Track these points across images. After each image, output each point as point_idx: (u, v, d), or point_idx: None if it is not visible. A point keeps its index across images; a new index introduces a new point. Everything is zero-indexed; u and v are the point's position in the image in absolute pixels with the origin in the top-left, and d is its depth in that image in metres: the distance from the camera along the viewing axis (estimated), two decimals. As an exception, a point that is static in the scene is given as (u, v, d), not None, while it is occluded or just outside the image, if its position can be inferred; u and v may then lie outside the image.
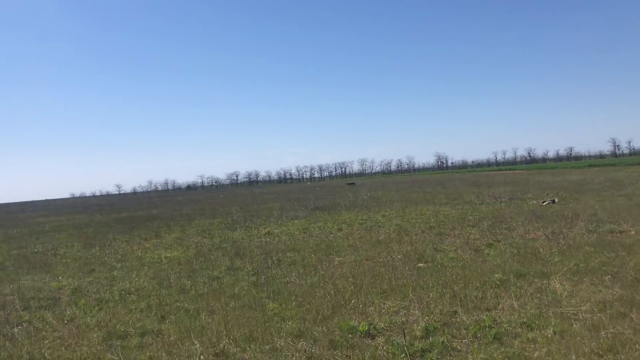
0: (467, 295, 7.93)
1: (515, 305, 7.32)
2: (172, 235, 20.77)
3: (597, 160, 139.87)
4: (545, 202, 23.52)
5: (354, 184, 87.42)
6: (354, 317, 7.28)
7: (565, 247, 11.61)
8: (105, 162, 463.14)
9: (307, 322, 7.13)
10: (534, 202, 24.35)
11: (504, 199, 26.74)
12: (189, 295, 9.44)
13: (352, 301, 8.10)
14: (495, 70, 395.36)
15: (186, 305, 8.66)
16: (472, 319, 6.84)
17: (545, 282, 8.64)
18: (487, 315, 6.97)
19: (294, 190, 73.95)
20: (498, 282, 8.64)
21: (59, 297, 10.16)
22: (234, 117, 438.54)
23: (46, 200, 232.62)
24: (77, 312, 8.77)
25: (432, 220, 19.74)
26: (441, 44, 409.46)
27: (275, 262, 12.53)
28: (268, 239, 17.48)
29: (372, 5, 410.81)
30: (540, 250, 11.51)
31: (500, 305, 7.41)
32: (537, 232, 14.68)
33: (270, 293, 9.04)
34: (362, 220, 21.80)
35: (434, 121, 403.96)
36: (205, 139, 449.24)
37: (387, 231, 17.18)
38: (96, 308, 8.93)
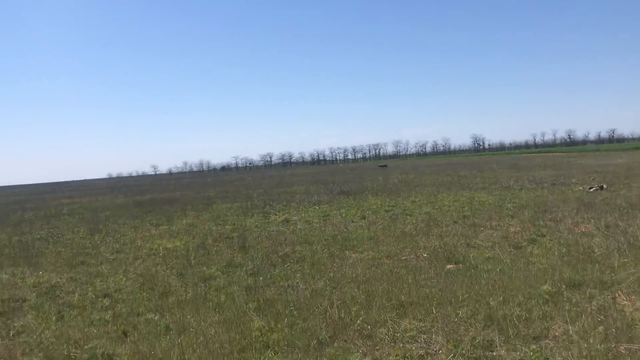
0: (507, 315, 6.15)
1: (572, 333, 5.52)
2: (184, 222, 19.40)
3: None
4: (592, 188, 21.26)
5: (386, 166, 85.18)
6: (359, 345, 5.61)
7: (625, 246, 9.64)
8: (144, 143, 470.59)
9: (296, 352, 5.50)
10: (580, 188, 22.09)
11: (545, 184, 24.51)
12: (168, 302, 7.92)
13: (360, 318, 6.42)
14: (533, 50, 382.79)
15: (158, 317, 7.13)
16: (514, 355, 5.09)
17: (607, 295, 6.79)
18: (534, 348, 5.21)
19: (324, 173, 72.19)
20: (547, 296, 6.82)
21: (26, 299, 8.78)
22: (269, 98, 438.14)
23: (82, 180, 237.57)
24: (31, 322, 7.35)
25: (466, 208, 17.82)
26: (479, 25, 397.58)
27: (282, 258, 10.92)
28: (283, 228, 15.92)
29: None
30: (596, 250, 9.56)
31: (552, 333, 5.62)
32: (587, 225, 12.66)
33: (263, 303, 7.42)
34: (389, 207, 20.01)
35: (470, 102, 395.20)
36: (241, 120, 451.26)
37: (415, 221, 15.39)
38: (55, 317, 7.48)
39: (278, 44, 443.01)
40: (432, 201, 21.00)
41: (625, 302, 6.47)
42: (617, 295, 6.80)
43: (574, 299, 6.67)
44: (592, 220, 13.19)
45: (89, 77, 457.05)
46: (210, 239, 14.52)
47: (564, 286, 7.21)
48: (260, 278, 9.09)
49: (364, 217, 17.35)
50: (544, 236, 11.54)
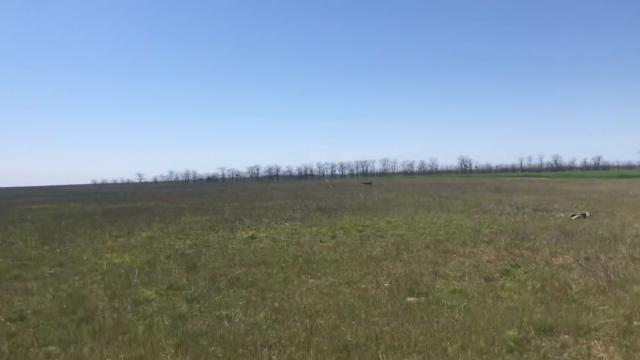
0: (464, 368, 5.21)
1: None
2: (145, 234, 18.33)
3: (629, 171, 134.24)
4: (575, 215, 20.51)
5: (370, 183, 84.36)
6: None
7: (605, 284, 8.78)
8: (130, 150, 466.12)
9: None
10: (562, 214, 21.35)
11: (527, 210, 23.74)
12: (82, 331, 6.88)
13: (291, 366, 5.45)
14: (522, 75, 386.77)
15: (59, 351, 6.10)
16: None
17: (582, 344, 5.89)
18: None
19: (307, 187, 71.17)
20: (512, 343, 5.90)
21: None
22: (258, 110, 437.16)
23: (63, 185, 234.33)
24: None
25: (442, 231, 16.96)
26: (467, 47, 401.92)
27: (231, 281, 9.91)
28: (244, 246, 14.91)
29: (399, 5, 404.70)
30: (573, 286, 8.69)
31: (514, 394, 4.68)
32: (566, 256, 11.83)
33: (186, 338, 6.41)
34: (363, 226, 19.12)
35: (459, 124, 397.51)
36: (230, 131, 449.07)
37: (386, 243, 14.48)
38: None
39: (270, 56, 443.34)
40: (408, 222, 20.15)
41: (602, 355, 5.58)
42: (593, 344, 5.90)
43: (543, 349, 5.77)
44: (571, 251, 12.36)
45: (74, 82, 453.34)
46: (163, 255, 13.47)
47: (533, 331, 6.30)
48: (198, 305, 8.08)
49: (334, 237, 16.43)
50: (519, 267, 10.67)
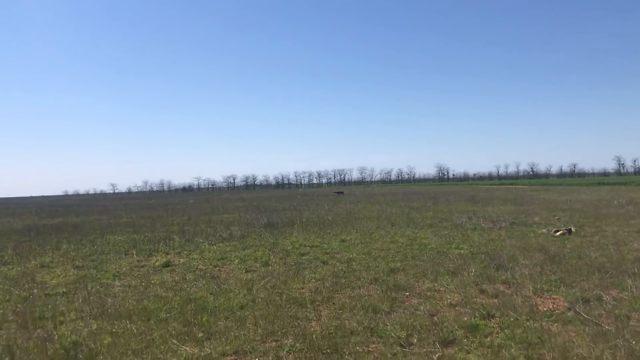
0: None
1: None
2: (40, 260, 14.86)
3: (607, 178, 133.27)
4: (559, 231, 17.55)
5: (342, 193, 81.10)
6: None
7: (623, 353, 5.65)
8: (105, 160, 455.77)
9: None
10: (544, 230, 18.36)
11: (503, 224, 20.72)
12: None
13: None
14: (499, 83, 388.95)
15: None
16: None
17: None
18: None
19: (274, 198, 67.31)
20: None
21: None
22: (235, 119, 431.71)
23: (23, 197, 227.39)
24: None
25: (401, 254, 13.87)
26: (445, 55, 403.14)
27: (67, 347, 6.56)
28: (143, 281, 11.54)
29: (375, 12, 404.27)
30: (574, 362, 5.53)
31: None
32: (556, 296, 8.74)
33: None
34: (310, 246, 16.01)
35: (436, 132, 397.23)
36: (206, 140, 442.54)
37: (325, 274, 11.29)
38: None
39: (248, 64, 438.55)
40: (365, 241, 17.01)
41: None
42: None
43: None
44: (562, 287, 9.30)
45: (44, 89, 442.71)
46: (29, 294, 10.04)
47: None
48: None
49: (266, 264, 13.21)
50: (492, 318, 7.55)
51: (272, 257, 14.27)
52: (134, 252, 15.95)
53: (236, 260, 13.94)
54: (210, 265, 13.45)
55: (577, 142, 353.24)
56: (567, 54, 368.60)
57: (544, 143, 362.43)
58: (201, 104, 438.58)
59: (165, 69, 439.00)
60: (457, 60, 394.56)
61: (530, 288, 9.29)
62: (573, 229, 17.84)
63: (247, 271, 12.28)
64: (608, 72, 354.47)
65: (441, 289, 9.64)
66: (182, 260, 14.42)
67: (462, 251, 14.26)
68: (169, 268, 13.20)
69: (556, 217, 22.89)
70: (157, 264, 13.86)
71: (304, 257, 14.07)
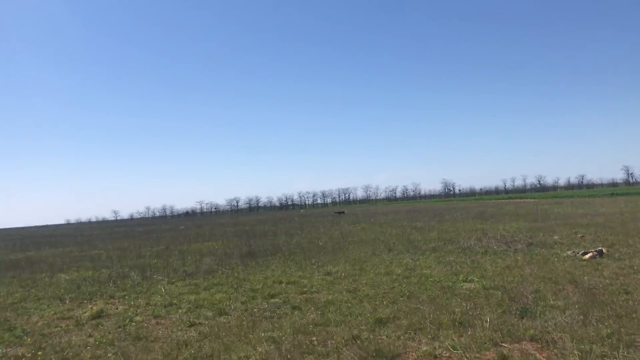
0: None
1: None
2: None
3: (619, 189, 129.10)
4: (587, 253, 14.55)
5: (343, 212, 77.93)
6: None
7: None
8: (108, 186, 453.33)
9: None
10: (569, 252, 15.34)
11: (519, 245, 17.69)
12: None
13: None
14: (502, 96, 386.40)
15: None
16: None
17: None
18: None
19: (269, 221, 63.93)
20: None
21: None
22: (239, 142, 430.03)
23: (23, 228, 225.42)
24: None
25: (393, 292, 10.95)
26: (448, 71, 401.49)
27: None
28: (43, 345, 8.60)
29: (377, 33, 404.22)
30: None
31: None
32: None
33: None
34: (284, 284, 13.13)
35: (441, 147, 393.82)
36: (210, 164, 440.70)
37: (285, 331, 8.31)
38: None
39: (252, 90, 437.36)
40: (354, 273, 14.09)
41: None
42: None
43: None
44: (621, 348, 6.38)
45: (45, 115, 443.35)
46: None
47: None
48: None
49: (222, 312, 10.27)
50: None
51: (232, 301, 11.32)
52: (67, 299, 13.03)
53: (186, 307, 11.03)
54: (152, 315, 10.55)
55: (584, 153, 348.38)
56: (571, 64, 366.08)
57: (550, 155, 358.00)
58: (204, 128, 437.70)
59: (171, 93, 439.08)
60: (460, 75, 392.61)
61: (576, 352, 6.31)
62: (604, 250, 14.83)
63: (191, 325, 9.37)
64: (613, 82, 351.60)
65: (444, 354, 6.68)
66: (120, 308, 11.53)
67: (472, 285, 11.34)
68: (96, 321, 10.33)
69: (579, 235, 19.83)
70: (86, 314, 10.98)
71: (272, 301, 11.13)
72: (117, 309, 11.47)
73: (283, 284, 13.15)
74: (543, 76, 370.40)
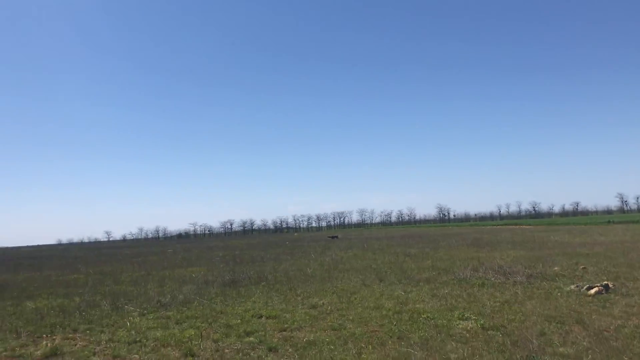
0: None
1: None
2: None
3: (615, 216, 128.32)
4: (592, 288, 13.51)
5: (336, 237, 76.75)
6: None
7: None
8: (102, 208, 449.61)
9: None
10: (572, 287, 14.28)
11: (517, 277, 16.62)
12: None
13: None
14: (498, 123, 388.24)
15: None
16: None
17: None
18: None
19: (260, 245, 62.64)
20: None
21: None
22: (232, 164, 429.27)
23: (11, 248, 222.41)
24: None
25: (382, 331, 9.87)
26: (444, 97, 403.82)
27: None
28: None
29: (371, 51, 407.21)
30: None
31: None
32: None
33: None
34: (264, 319, 12.06)
35: (436, 172, 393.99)
36: (203, 185, 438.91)
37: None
38: None
39: (248, 109, 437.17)
40: (342, 307, 13.00)
41: None
42: None
43: None
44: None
45: (38, 136, 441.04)
46: None
47: None
48: None
49: (190, 353, 9.20)
50: None
51: (203, 339, 10.19)
52: (24, 332, 11.85)
53: (151, 346, 9.90)
54: (111, 355, 9.42)
55: (578, 180, 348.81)
56: (563, 89, 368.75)
57: (545, 181, 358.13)
58: (197, 149, 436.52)
59: (163, 116, 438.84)
60: (456, 98, 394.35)
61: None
62: (610, 285, 13.78)
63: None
64: (610, 108, 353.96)
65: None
66: (79, 345, 10.37)
67: (469, 323, 10.28)
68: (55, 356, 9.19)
69: (581, 267, 18.79)
70: (38, 352, 9.82)
71: (247, 340, 10.01)
72: (75, 345, 10.32)
73: (263, 319, 12.06)
74: (540, 101, 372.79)
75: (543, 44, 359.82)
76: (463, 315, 11.10)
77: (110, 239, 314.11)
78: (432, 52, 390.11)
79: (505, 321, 10.30)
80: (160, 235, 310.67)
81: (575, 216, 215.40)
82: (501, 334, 9.24)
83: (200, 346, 9.65)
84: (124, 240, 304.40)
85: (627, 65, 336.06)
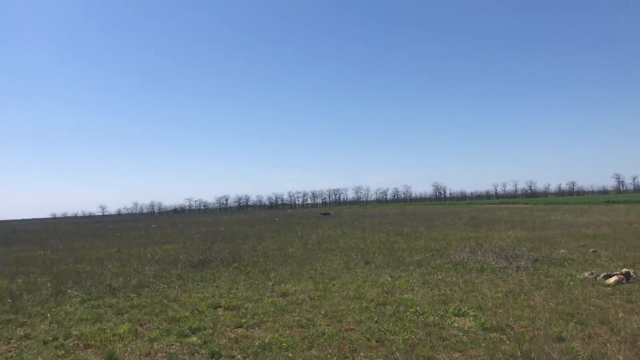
0: None
1: None
2: None
3: (615, 196, 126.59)
4: (610, 277, 11.52)
5: (328, 214, 74.61)
6: None
7: None
8: (98, 182, 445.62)
9: None
10: (586, 274, 12.27)
11: (521, 262, 14.58)
12: None
13: None
14: (494, 100, 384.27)
15: None
16: None
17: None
18: None
19: (248, 221, 60.59)
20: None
21: None
22: (229, 139, 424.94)
23: (9, 221, 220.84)
24: None
25: (359, 330, 7.94)
26: (441, 76, 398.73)
27: None
28: None
29: (373, 36, 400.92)
30: None
31: None
32: None
33: None
34: (222, 309, 10.15)
35: (432, 150, 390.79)
36: (200, 160, 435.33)
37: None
38: None
39: (246, 85, 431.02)
40: (315, 296, 11.05)
41: None
42: None
43: None
44: None
45: (32, 109, 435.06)
46: None
47: None
48: None
49: (111, 356, 7.10)
50: None
51: (135, 339, 8.17)
52: None
53: (70, 345, 7.93)
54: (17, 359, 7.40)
55: (575, 160, 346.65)
56: (563, 70, 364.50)
57: (542, 160, 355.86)
58: (194, 124, 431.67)
59: (161, 92, 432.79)
60: (453, 77, 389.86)
61: None
62: (632, 273, 11.79)
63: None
64: (605, 88, 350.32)
65: None
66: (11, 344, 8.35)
67: (466, 321, 8.31)
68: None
69: (591, 250, 16.80)
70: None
71: (189, 340, 8.01)
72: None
73: (219, 310, 10.08)
74: (539, 79, 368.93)
75: (539, 19, 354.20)
76: (459, 310, 9.11)
77: (105, 214, 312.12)
78: (428, 28, 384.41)
79: (511, 319, 8.32)
80: (155, 210, 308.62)
81: (572, 196, 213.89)
82: (507, 338, 7.25)
83: (128, 348, 7.65)
84: (118, 214, 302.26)
85: (620, 44, 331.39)
